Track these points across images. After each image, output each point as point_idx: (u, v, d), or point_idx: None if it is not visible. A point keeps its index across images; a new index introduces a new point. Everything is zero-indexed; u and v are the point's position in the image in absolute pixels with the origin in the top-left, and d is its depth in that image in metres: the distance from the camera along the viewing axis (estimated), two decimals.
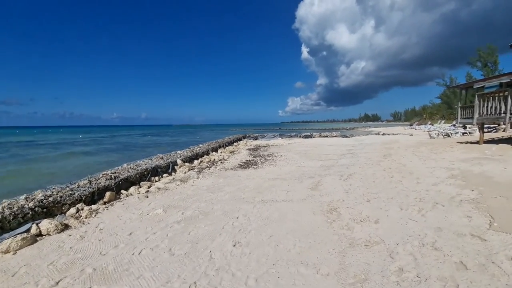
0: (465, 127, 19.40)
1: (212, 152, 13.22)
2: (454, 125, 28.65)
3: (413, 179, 5.34)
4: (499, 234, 2.61)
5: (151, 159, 8.73)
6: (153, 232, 3.39)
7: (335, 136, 24.53)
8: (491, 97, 9.40)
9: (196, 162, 9.98)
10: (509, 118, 8.53)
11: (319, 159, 9.54)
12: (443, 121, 36.93)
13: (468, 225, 2.92)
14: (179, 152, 11.11)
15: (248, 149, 14.69)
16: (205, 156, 11.64)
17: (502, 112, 8.86)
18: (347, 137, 23.20)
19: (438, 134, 17.84)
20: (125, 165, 7.45)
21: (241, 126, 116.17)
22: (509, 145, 8.35)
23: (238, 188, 5.74)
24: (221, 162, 9.91)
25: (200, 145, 14.85)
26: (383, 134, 25.48)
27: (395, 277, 2.10)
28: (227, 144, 17.83)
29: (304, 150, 12.84)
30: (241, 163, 9.47)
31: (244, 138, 25.10)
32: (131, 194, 5.56)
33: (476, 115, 10.12)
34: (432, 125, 35.37)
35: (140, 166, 7.27)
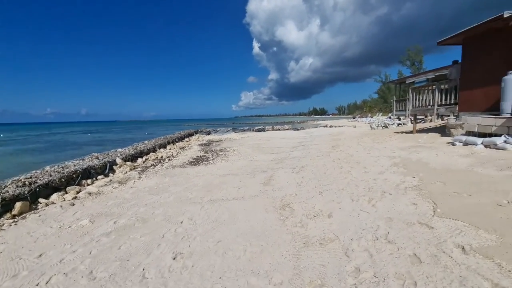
0: (399, 119, 21.49)
1: (159, 149, 12.24)
2: (390, 117, 31.69)
3: (361, 168, 5.48)
4: (444, 221, 2.65)
5: (83, 159, 7.57)
6: (72, 251, 2.74)
7: (287, 129, 25.13)
8: (422, 91, 10.38)
9: (140, 160, 9.04)
10: (437, 109, 9.52)
11: (272, 152, 9.45)
12: (380, 114, 40.80)
13: (415, 212, 2.95)
14: (119, 150, 9.96)
15: (200, 145, 14.04)
16: (151, 153, 10.67)
17: (430, 104, 9.85)
18: (298, 130, 23.96)
19: (378, 126, 19.41)
20: (47, 168, 6.27)
21: (195, 121, 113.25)
22: (437, 134, 9.31)
23: (186, 187, 5.23)
24: (169, 159, 9.17)
25: (146, 142, 13.67)
26: (330, 126, 26.97)
27: (352, 279, 1.92)
28: (177, 140, 16.81)
29: (257, 143, 12.70)
30: (191, 160, 8.89)
31: (197, 133, 24.16)
32: (53, 203, 4.63)
33: (409, 107, 11.13)
34: (372, 117, 38.78)
35: (67, 168, 6.18)
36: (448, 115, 9.37)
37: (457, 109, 8.61)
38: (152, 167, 7.86)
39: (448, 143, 7.39)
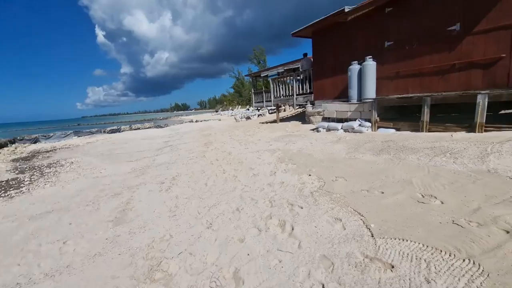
0: (258, 110, 23.10)
1: None
2: (248, 109, 34.11)
3: (248, 170, 4.49)
4: (392, 245, 1.89)
5: None
6: None
7: (148, 128, 21.93)
8: (282, 82, 10.84)
9: None
10: (296, 98, 10.13)
11: (130, 159, 7.14)
12: (239, 107, 43.87)
13: (348, 236, 2.10)
14: None
15: (14, 160, 9.34)
16: None
17: (290, 94, 10.41)
18: (162, 127, 21.35)
19: (241, 118, 20.01)
20: None
21: (18, 125, 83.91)
22: (298, 122, 9.94)
23: None
24: None
25: None
26: (196, 121, 25.88)
27: None
28: None
29: (109, 149, 9.69)
30: None
31: (14, 143, 16.78)
32: None
33: (272, 98, 11.50)
34: (233, 110, 40.98)
35: None
36: (306, 104, 10.18)
37: (312, 97, 9.39)
38: None
39: (312, 129, 7.78)
